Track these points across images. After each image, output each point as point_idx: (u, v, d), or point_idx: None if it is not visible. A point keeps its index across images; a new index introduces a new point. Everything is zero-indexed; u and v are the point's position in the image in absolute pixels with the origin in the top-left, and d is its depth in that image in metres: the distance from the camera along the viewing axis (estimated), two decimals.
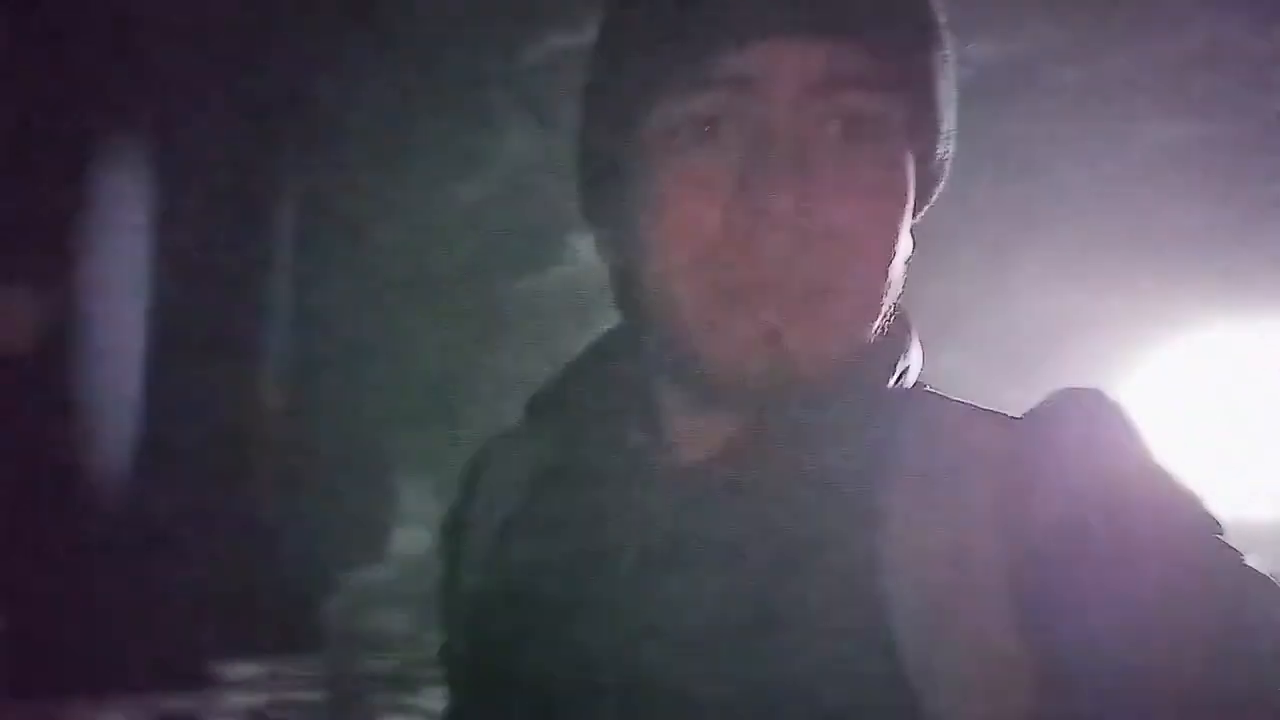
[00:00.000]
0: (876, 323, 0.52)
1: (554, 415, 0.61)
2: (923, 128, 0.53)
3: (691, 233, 0.49)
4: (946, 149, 0.55)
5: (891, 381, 0.54)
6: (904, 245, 0.52)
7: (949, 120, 0.54)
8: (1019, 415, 0.50)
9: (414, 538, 2.93)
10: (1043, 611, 0.43)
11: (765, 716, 0.46)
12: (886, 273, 0.51)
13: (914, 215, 0.54)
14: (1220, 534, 0.45)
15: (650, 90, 0.50)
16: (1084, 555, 0.43)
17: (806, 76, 0.48)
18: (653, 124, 0.50)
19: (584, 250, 2.69)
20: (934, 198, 0.57)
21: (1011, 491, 0.46)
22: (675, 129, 0.50)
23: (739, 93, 0.48)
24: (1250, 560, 0.45)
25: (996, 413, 0.52)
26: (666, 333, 0.52)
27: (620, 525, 0.54)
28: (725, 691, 0.47)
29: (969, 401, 0.54)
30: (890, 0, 0.50)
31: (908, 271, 0.54)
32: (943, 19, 0.53)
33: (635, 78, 0.51)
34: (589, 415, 0.59)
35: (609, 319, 0.62)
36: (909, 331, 0.56)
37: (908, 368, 0.55)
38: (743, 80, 0.48)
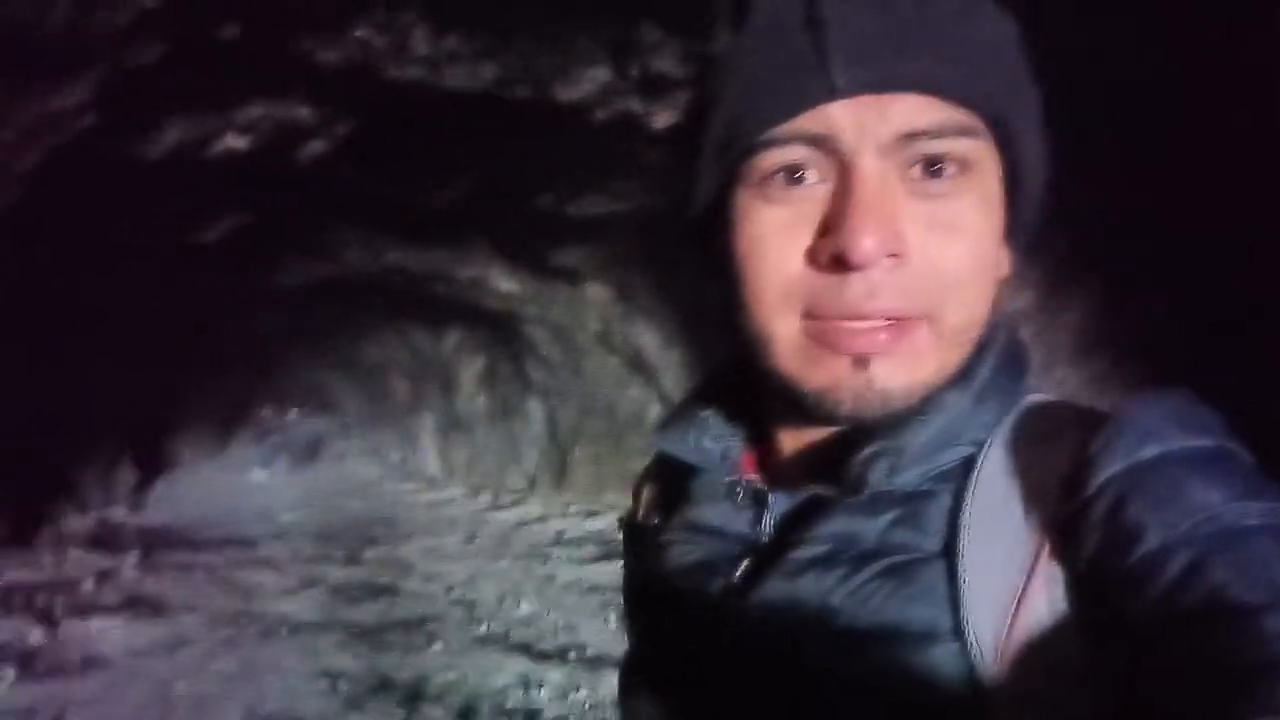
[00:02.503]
0: (965, 350, 0.55)
1: (676, 438, 0.66)
2: (1012, 164, 0.54)
3: (782, 273, 0.53)
4: (1039, 179, 0.57)
5: (983, 405, 0.55)
6: (992, 276, 0.55)
7: (1037, 153, 0.56)
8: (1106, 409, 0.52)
9: None
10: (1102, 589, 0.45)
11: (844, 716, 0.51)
12: (972, 303, 0.53)
13: (1014, 241, 0.57)
14: None
15: (741, 145, 0.53)
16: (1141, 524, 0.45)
17: (886, 130, 0.50)
18: (747, 173, 0.54)
19: None
20: (1029, 220, 0.58)
21: (1076, 470, 0.49)
22: (768, 177, 0.53)
23: (823, 147, 0.51)
24: None
25: (1086, 409, 0.54)
26: (764, 358, 0.56)
27: (732, 538, 0.61)
28: (812, 690, 0.53)
29: (1071, 402, 0.57)
30: (967, 50, 0.51)
31: (1003, 296, 0.56)
32: (1025, 66, 0.55)
33: (727, 133, 0.54)
34: (704, 437, 0.65)
35: None
36: (1011, 350, 0.59)
37: (1008, 385, 0.57)
38: (826, 137, 0.51)
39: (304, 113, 5.79)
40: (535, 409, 10.73)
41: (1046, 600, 0.47)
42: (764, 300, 0.54)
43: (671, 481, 0.70)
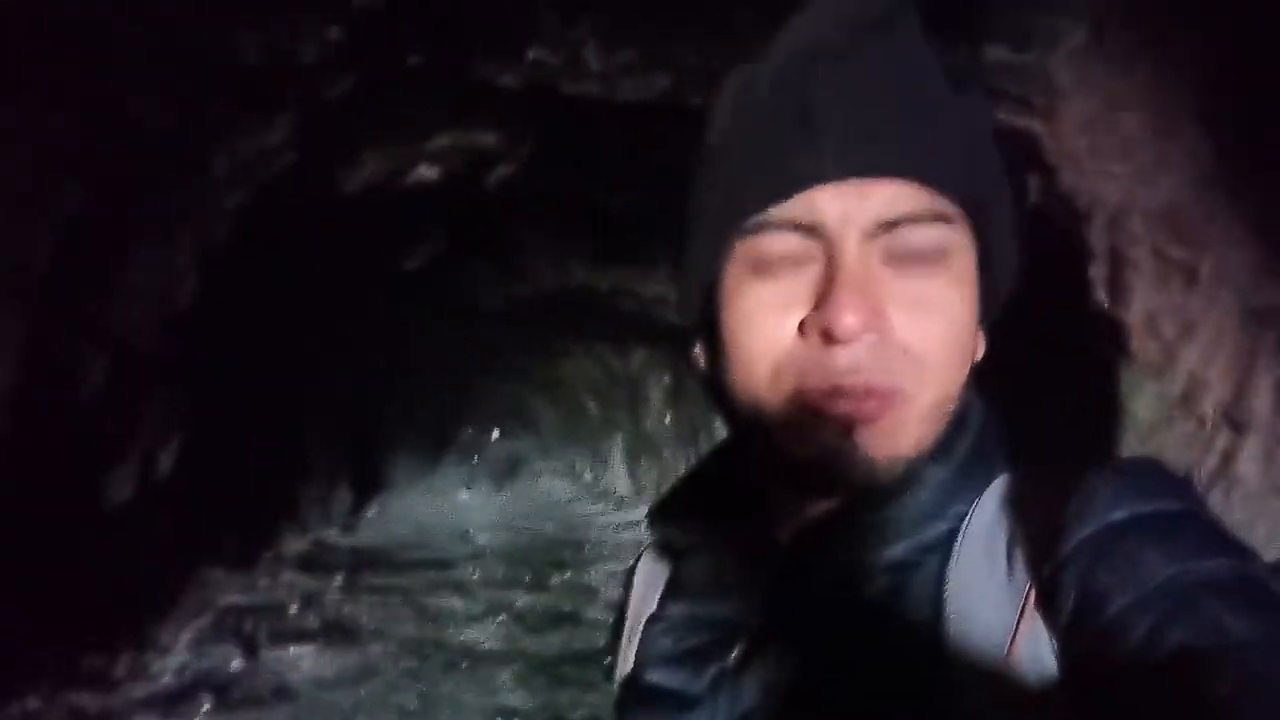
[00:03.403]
0: (940, 425, 0.57)
1: (671, 521, 0.71)
2: (986, 248, 0.58)
3: (773, 346, 0.56)
4: (1010, 263, 0.60)
5: (963, 478, 0.58)
6: (967, 355, 0.58)
7: (1009, 238, 0.60)
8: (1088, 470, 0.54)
9: None
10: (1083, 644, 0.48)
11: None
12: (947, 381, 0.56)
13: (984, 320, 0.60)
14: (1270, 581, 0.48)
15: (733, 228, 0.57)
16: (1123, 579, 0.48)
17: (869, 216, 0.53)
18: (740, 253, 0.57)
19: None
20: (1001, 302, 0.62)
21: (1053, 529, 0.52)
22: (757, 259, 0.56)
23: (811, 232, 0.54)
24: None
25: (1060, 472, 0.55)
26: (758, 432, 0.58)
27: (726, 621, 0.63)
28: None
29: (1048, 467, 0.58)
30: (944, 141, 0.54)
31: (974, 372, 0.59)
32: (998, 152, 0.58)
33: (720, 216, 0.58)
34: (699, 519, 0.68)
35: None
36: (989, 426, 0.61)
37: (987, 459, 0.59)
38: (813, 223, 0.54)
39: (489, 138, 5.88)
40: (720, 427, 10.52)
41: (1031, 661, 0.49)
42: (755, 373, 0.56)
43: (664, 566, 0.73)
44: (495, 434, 18.95)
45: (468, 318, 9.59)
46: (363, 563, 8.83)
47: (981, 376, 0.63)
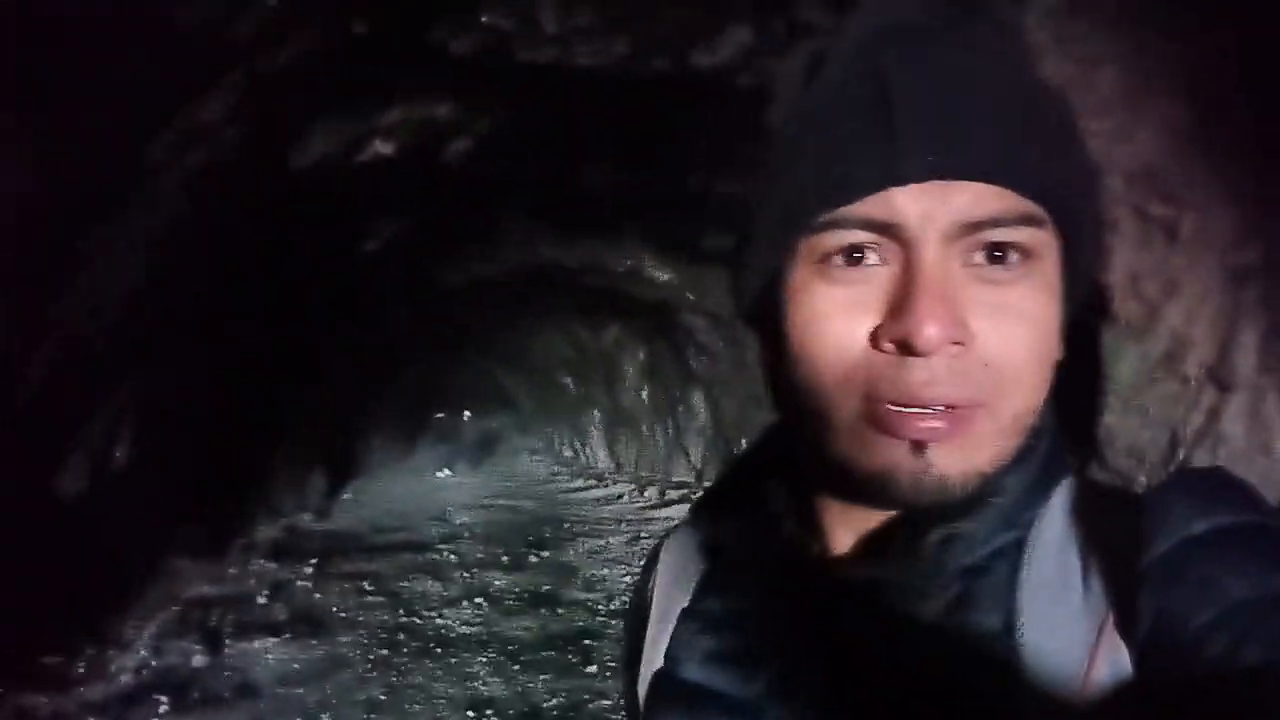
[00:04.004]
0: (1021, 435, 0.54)
1: (717, 514, 0.67)
2: (1072, 250, 0.54)
3: (841, 353, 0.52)
4: (1093, 264, 0.58)
5: (1037, 486, 0.56)
6: (1050, 362, 0.54)
7: (1094, 239, 0.56)
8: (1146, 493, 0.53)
9: None
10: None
11: None
12: (1031, 391, 0.53)
13: (1066, 322, 0.56)
14: None
15: (801, 223, 0.53)
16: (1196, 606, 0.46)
17: (950, 219, 0.50)
18: (806, 251, 0.53)
19: None
20: (1080, 300, 0.58)
21: (1129, 562, 0.50)
22: (827, 256, 0.52)
23: (887, 232, 0.50)
24: None
25: (1120, 489, 0.57)
26: (818, 438, 0.55)
27: (773, 622, 0.60)
28: None
29: (1102, 482, 0.61)
30: (1034, 139, 0.51)
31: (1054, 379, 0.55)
32: (1085, 149, 0.55)
33: (787, 209, 0.54)
34: (747, 512, 0.64)
35: None
36: (1057, 433, 0.58)
37: (1055, 469, 0.57)
38: (890, 223, 0.50)
39: (444, 110, 5.65)
40: (698, 400, 10.48)
41: (1108, 676, 0.47)
42: (822, 382, 0.53)
43: (699, 557, 0.69)
44: (466, 414, 18.76)
45: (435, 297, 9.38)
46: (335, 548, 8.68)
47: None
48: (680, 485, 10.37)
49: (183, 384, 6.32)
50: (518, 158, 6.32)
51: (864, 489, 0.54)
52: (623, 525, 8.80)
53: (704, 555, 0.68)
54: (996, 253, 0.50)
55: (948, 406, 0.50)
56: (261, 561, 7.95)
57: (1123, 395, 4.64)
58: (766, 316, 0.58)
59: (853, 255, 0.52)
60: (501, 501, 11.53)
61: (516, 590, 6.44)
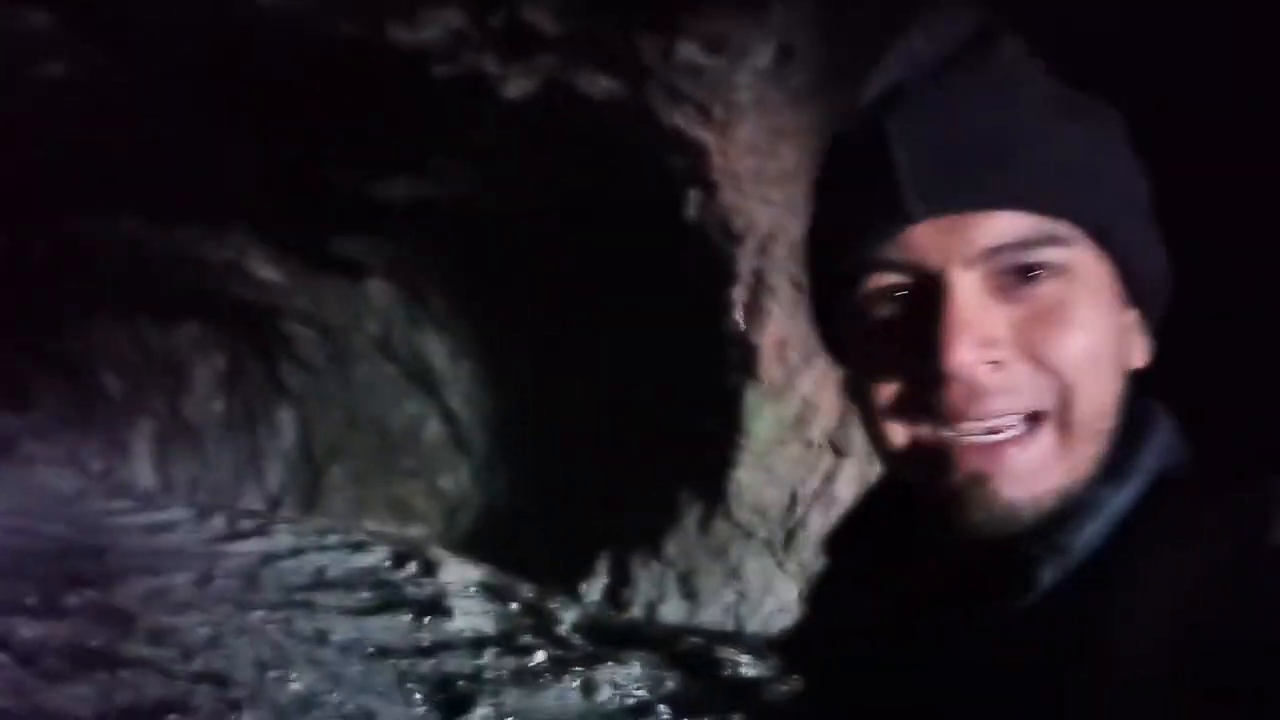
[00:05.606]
0: (1097, 444, 0.54)
1: (832, 551, 0.69)
2: (1120, 263, 0.55)
3: (888, 396, 0.55)
4: (1154, 268, 0.58)
5: (1139, 489, 0.55)
6: (1115, 364, 0.55)
7: (1145, 246, 0.57)
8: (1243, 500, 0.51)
9: None
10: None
11: None
12: (1095, 396, 0.53)
13: (1150, 322, 0.59)
14: None
15: (836, 270, 0.57)
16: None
17: (970, 248, 0.52)
18: (846, 298, 0.57)
19: None
20: (1162, 308, 0.59)
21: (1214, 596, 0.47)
22: (863, 302, 0.56)
23: (908, 271, 0.54)
24: None
25: (1223, 485, 0.53)
26: (891, 470, 0.59)
27: (877, 655, 0.60)
28: None
29: (1206, 479, 0.56)
30: (1051, 161, 0.52)
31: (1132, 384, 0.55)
32: (1124, 162, 0.56)
33: (824, 256, 0.60)
34: (854, 551, 0.67)
35: None
36: (1161, 433, 0.57)
37: (1161, 470, 0.56)
38: (911, 261, 0.53)
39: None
40: (286, 418, 9.51)
41: (1199, 690, 0.46)
42: (877, 415, 0.56)
43: (828, 594, 0.71)
44: None
45: None
46: None
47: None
48: (253, 515, 9.19)
49: None
50: (108, 110, 5.17)
51: (937, 517, 0.55)
52: (186, 560, 7.45)
53: (829, 592, 0.71)
54: (1029, 273, 0.52)
55: (1002, 421, 0.52)
56: None
57: (757, 453, 4.96)
58: (840, 354, 0.62)
59: (893, 295, 0.54)
60: (18, 522, 9.25)
61: (55, 645, 4.99)
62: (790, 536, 4.78)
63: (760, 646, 4.44)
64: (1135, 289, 0.56)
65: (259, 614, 5.48)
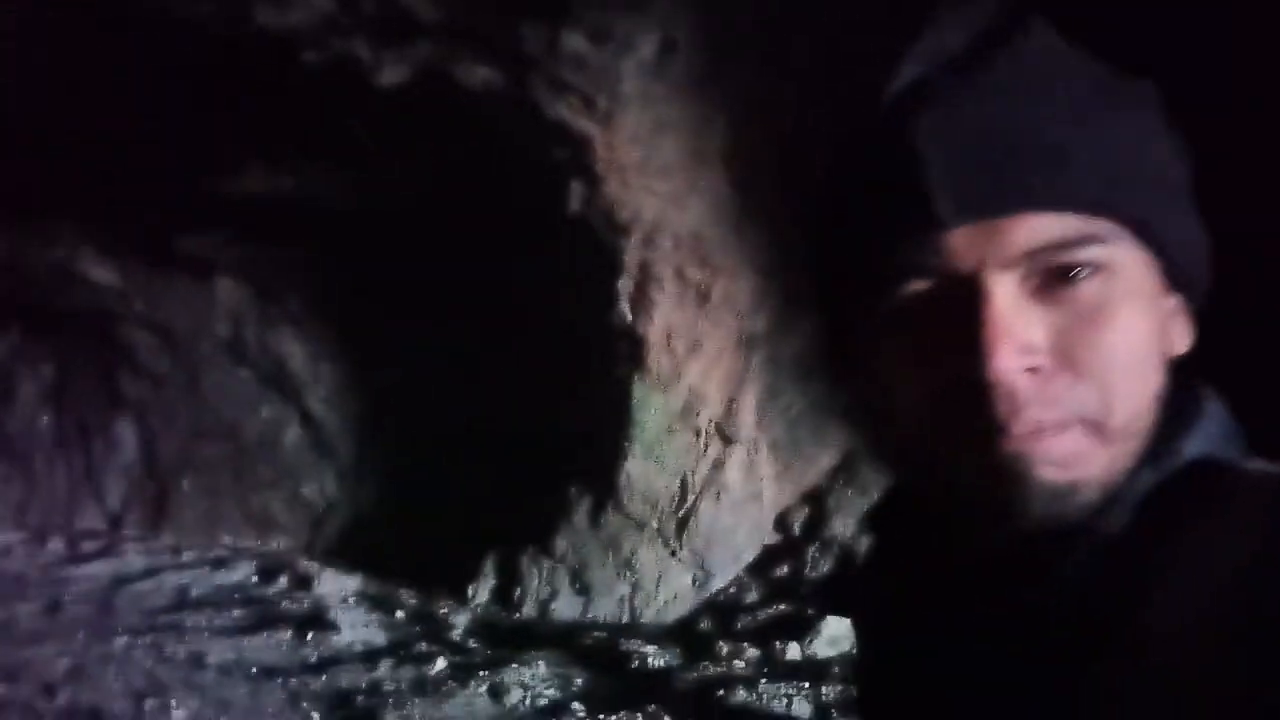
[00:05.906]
0: (1138, 439, 0.53)
1: (874, 529, 0.69)
2: (1161, 255, 0.54)
3: (923, 402, 0.53)
4: (1196, 258, 0.57)
5: (1178, 478, 0.54)
6: (1148, 359, 0.53)
7: (1188, 237, 0.56)
8: None
9: None
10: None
11: None
12: (1131, 395, 0.52)
13: (1195, 308, 0.58)
14: None
15: (861, 278, 0.55)
16: None
17: (1005, 251, 0.51)
18: (874, 300, 0.55)
19: None
20: (1203, 292, 0.59)
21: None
22: (893, 309, 0.54)
23: (942, 276, 0.52)
24: None
25: (1258, 475, 0.53)
26: (919, 477, 0.58)
27: (911, 657, 0.61)
28: None
29: (1237, 464, 0.54)
30: (1086, 159, 0.51)
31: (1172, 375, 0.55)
32: (1165, 157, 0.55)
33: (846, 264, 0.57)
34: (885, 551, 0.67)
35: None
36: (1210, 422, 0.56)
37: (1172, 461, 0.55)
38: (944, 266, 0.52)
39: None
40: (126, 432, 8.84)
41: (1230, 687, 0.45)
42: (911, 432, 0.54)
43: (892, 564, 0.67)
44: None
45: None
46: None
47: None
48: (95, 535, 8.51)
49: None
50: None
51: (971, 518, 0.54)
52: (25, 588, 6.81)
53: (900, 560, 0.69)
54: (1069, 274, 0.51)
55: (1040, 428, 0.50)
56: None
57: (645, 443, 4.96)
58: (850, 360, 0.60)
59: (923, 301, 0.53)
60: None
61: None
62: (682, 525, 4.82)
63: (661, 635, 4.48)
64: (1176, 276, 0.55)
65: (122, 640, 5.07)
